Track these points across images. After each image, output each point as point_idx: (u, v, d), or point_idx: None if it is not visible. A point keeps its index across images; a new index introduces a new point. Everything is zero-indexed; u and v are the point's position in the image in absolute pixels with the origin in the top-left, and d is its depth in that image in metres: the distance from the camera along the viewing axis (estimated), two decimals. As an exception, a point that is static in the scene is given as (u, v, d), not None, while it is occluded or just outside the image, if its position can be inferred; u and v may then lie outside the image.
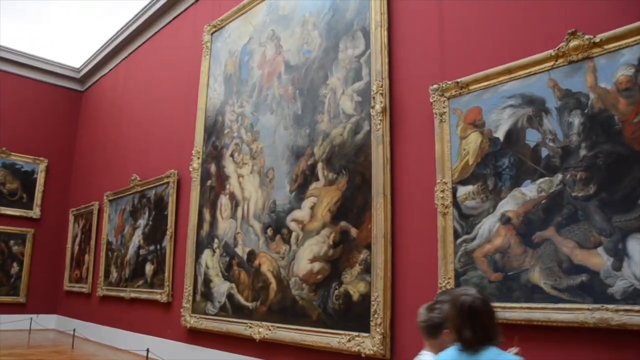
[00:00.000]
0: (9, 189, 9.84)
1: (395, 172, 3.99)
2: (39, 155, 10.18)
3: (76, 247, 9.52)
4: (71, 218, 9.90)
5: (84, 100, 10.85)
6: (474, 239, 3.39)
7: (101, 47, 9.61)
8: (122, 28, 9.02)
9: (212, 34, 6.52)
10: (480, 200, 3.40)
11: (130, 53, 9.05)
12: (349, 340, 3.92)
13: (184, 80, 7.07)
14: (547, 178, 3.09)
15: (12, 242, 9.70)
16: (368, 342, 3.78)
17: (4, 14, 8.76)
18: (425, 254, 3.67)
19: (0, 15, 8.74)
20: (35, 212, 10.00)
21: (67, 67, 10.56)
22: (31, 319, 9.08)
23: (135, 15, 8.57)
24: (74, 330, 7.25)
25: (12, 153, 9.90)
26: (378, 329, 3.72)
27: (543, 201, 3.09)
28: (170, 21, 7.83)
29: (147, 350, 5.76)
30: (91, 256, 8.74)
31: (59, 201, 10.25)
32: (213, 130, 6.11)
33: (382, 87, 4.10)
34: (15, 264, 9.71)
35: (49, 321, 9.74)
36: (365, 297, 3.91)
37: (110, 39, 9.35)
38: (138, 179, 7.55)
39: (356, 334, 3.89)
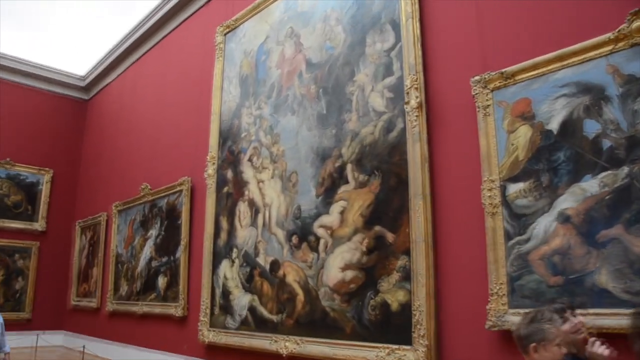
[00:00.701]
0: (13, 200, 9.57)
1: (434, 171, 3.73)
2: (44, 166, 9.92)
3: (83, 260, 9.22)
4: (77, 230, 9.61)
5: (89, 108, 10.61)
6: (528, 240, 3.11)
7: (107, 54, 9.38)
8: (128, 33, 8.80)
9: (225, 34, 6.28)
10: (534, 198, 3.12)
11: (138, 59, 8.83)
12: (389, 354, 3.63)
13: (196, 84, 6.83)
14: (610, 172, 2.82)
15: (16, 255, 9.41)
16: (410, 355, 3.48)
17: (4, 21, 8.54)
18: (471, 258, 3.39)
19: (1, 22, 8.52)
20: (41, 225, 9.72)
21: (72, 76, 10.34)
22: (37, 335, 8.74)
23: (142, 20, 8.36)
24: (83, 347, 6.92)
25: (16, 164, 9.64)
26: (421, 341, 3.43)
27: (607, 197, 2.81)
28: (180, 24, 7.61)
29: (163, 368, 5.46)
30: (99, 269, 8.44)
31: (65, 213, 9.97)
32: (229, 134, 5.84)
33: (417, 81, 3.84)
34: (20, 279, 9.41)
35: (56, 338, 9.40)
36: (406, 307, 3.62)
37: (116, 45, 9.14)
38: (149, 187, 7.27)
39: (396, 346, 3.60)
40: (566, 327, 2.15)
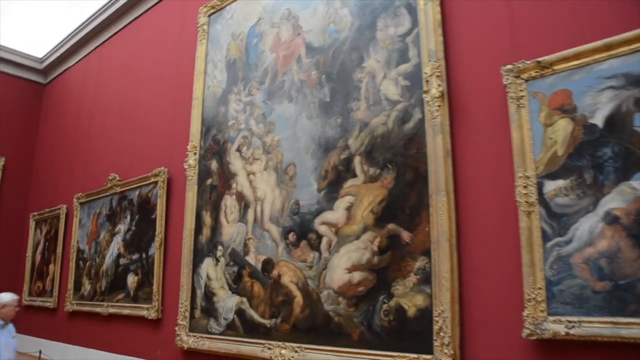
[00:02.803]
0: (-43, 190, 8.70)
1: (457, 165, 3.44)
2: (-6, 154, 9.06)
3: (38, 256, 8.46)
4: (32, 223, 8.81)
5: (46, 93, 9.78)
6: (569, 241, 2.86)
7: (69, 36, 8.64)
8: (94, 14, 8.11)
9: (209, 15, 5.81)
10: (576, 197, 2.88)
11: (104, 41, 8.15)
12: (406, 364, 3.31)
13: (174, 68, 6.31)
14: (664, 170, 2.62)
15: (-39, 251, 8.54)
16: (431, 366, 3.18)
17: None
18: (501, 260, 3.13)
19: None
20: (-11, 217, 8.87)
21: (29, 57, 9.48)
22: (-18, 338, 7.95)
23: (110, 0, 7.72)
24: (40, 352, 6.27)
25: (-37, 150, 8.78)
26: (446, 350, 3.13)
27: (660, 197, 2.61)
28: (155, 4, 7.04)
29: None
30: (57, 266, 7.74)
31: (18, 205, 9.13)
32: (213, 122, 5.38)
33: (438, 69, 3.55)
34: (-36, 276, 8.54)
35: (4, 341, 8.58)
36: (425, 313, 3.31)
37: (80, 26, 8.42)
38: (117, 178, 6.68)
39: (414, 355, 3.28)
40: None
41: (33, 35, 8.98)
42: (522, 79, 3.20)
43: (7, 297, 4.47)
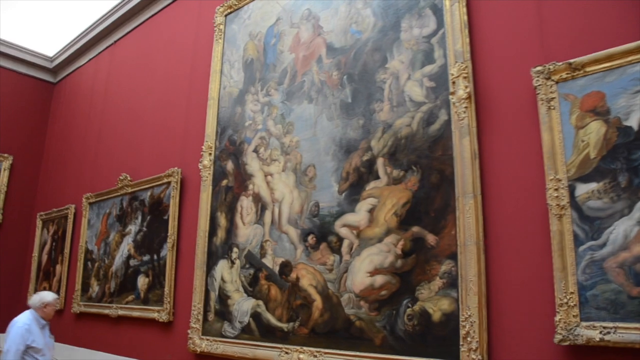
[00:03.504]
0: (-35, 189, 8.64)
1: (484, 168, 3.39)
2: (3, 152, 8.96)
3: (45, 257, 8.38)
4: (39, 223, 8.74)
5: (56, 92, 9.73)
6: (603, 245, 2.81)
7: (81, 33, 8.60)
8: (106, 14, 8.10)
9: (226, 15, 5.78)
10: (610, 200, 2.82)
11: (116, 41, 8.12)
12: (431, 370, 3.25)
13: (188, 68, 6.27)
14: (702, 174, 2.57)
15: (-33, 250, 8.47)
16: (458, 372, 3.12)
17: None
18: (530, 264, 3.07)
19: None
20: (-4, 216, 8.81)
21: (39, 55, 9.44)
22: (-13, 339, 7.87)
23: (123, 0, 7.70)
24: (47, 353, 6.18)
25: (-30, 149, 8.73)
26: (473, 355, 3.07)
27: (699, 201, 2.55)
28: (169, 3, 7.01)
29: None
30: (64, 267, 7.66)
31: (25, 204, 9.06)
32: (229, 122, 5.34)
33: (465, 70, 3.51)
34: (-31, 276, 8.47)
35: (8, 342, 8.50)
36: (451, 317, 3.25)
37: (92, 25, 8.40)
38: (128, 178, 6.63)
39: (440, 361, 3.23)
40: None
41: (43, 33, 8.95)
42: (552, 80, 3.15)
43: (50, 296, 4.35)
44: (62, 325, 7.46)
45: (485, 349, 3.09)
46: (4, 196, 8.89)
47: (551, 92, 3.15)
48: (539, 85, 3.19)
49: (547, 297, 2.93)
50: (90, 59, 8.78)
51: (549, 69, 3.15)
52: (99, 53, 8.55)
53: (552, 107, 3.14)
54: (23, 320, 4.14)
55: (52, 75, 9.78)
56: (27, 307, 8.48)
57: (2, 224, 8.84)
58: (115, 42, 8.16)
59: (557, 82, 3.15)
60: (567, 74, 3.11)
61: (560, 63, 3.11)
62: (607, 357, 2.69)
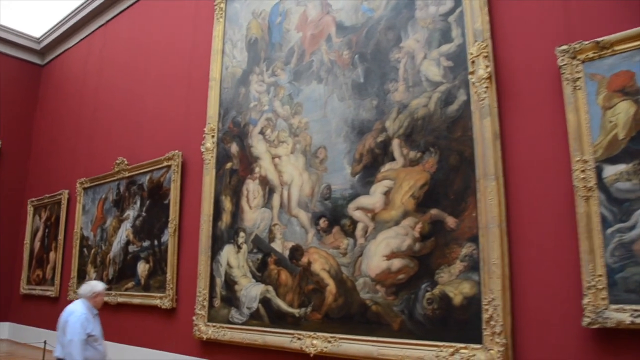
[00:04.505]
0: (-47, 174, 8.37)
1: (506, 149, 3.32)
2: (-10, 137, 8.73)
3: (37, 244, 8.19)
4: (30, 209, 8.53)
5: (44, 75, 9.44)
6: (632, 227, 2.76)
7: (71, 13, 8.32)
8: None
9: (227, -6, 5.59)
10: (639, 182, 2.78)
11: (110, 19, 7.85)
12: (453, 354, 3.20)
13: (187, 48, 6.09)
14: None
15: (-45, 237, 8.23)
16: (481, 355, 3.07)
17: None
18: (556, 246, 3.01)
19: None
20: (-16, 203, 8.56)
21: (25, 37, 9.12)
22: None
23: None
24: (45, 342, 6.03)
25: (-43, 133, 8.44)
26: (497, 339, 3.02)
27: None
28: (166, -18, 6.78)
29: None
30: (59, 254, 7.49)
31: (15, 190, 8.84)
32: (233, 104, 5.19)
33: (486, 49, 3.41)
34: (-42, 264, 8.24)
35: (1, 330, 8.32)
36: (472, 301, 3.20)
37: (84, 2, 8.10)
38: (125, 162, 6.46)
39: (462, 345, 3.17)
40: None
41: (30, 14, 8.63)
42: (578, 60, 3.07)
43: (100, 285, 4.19)
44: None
45: (509, 333, 3.04)
46: (-7, 182, 8.64)
47: (577, 72, 3.07)
48: (564, 64, 3.10)
49: (573, 280, 2.88)
50: (82, 39, 8.51)
51: (575, 48, 3.07)
52: (91, 33, 8.28)
53: (578, 87, 3.06)
54: (80, 310, 4.02)
55: (40, 57, 9.47)
56: (20, 294, 8.34)
57: (-8, 210, 8.60)
58: (108, 21, 7.90)
59: (583, 62, 3.06)
60: (593, 53, 3.02)
61: (587, 42, 3.02)
62: (638, 340, 2.66)
